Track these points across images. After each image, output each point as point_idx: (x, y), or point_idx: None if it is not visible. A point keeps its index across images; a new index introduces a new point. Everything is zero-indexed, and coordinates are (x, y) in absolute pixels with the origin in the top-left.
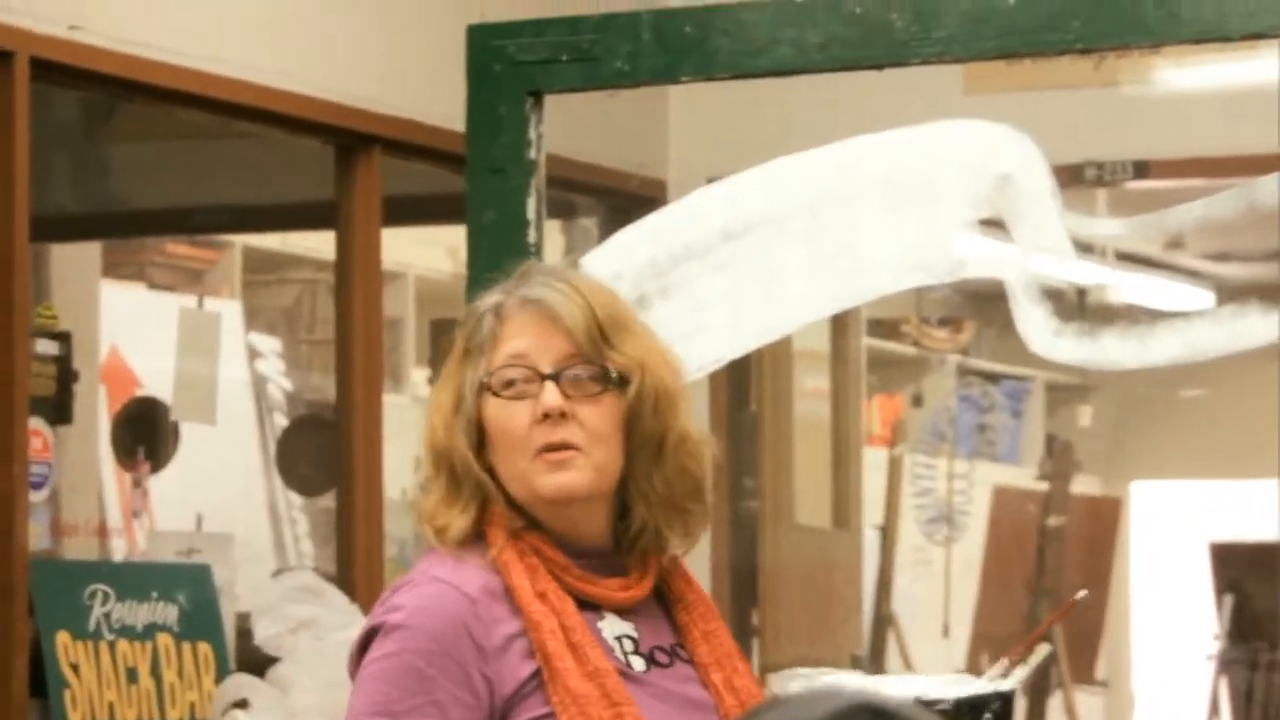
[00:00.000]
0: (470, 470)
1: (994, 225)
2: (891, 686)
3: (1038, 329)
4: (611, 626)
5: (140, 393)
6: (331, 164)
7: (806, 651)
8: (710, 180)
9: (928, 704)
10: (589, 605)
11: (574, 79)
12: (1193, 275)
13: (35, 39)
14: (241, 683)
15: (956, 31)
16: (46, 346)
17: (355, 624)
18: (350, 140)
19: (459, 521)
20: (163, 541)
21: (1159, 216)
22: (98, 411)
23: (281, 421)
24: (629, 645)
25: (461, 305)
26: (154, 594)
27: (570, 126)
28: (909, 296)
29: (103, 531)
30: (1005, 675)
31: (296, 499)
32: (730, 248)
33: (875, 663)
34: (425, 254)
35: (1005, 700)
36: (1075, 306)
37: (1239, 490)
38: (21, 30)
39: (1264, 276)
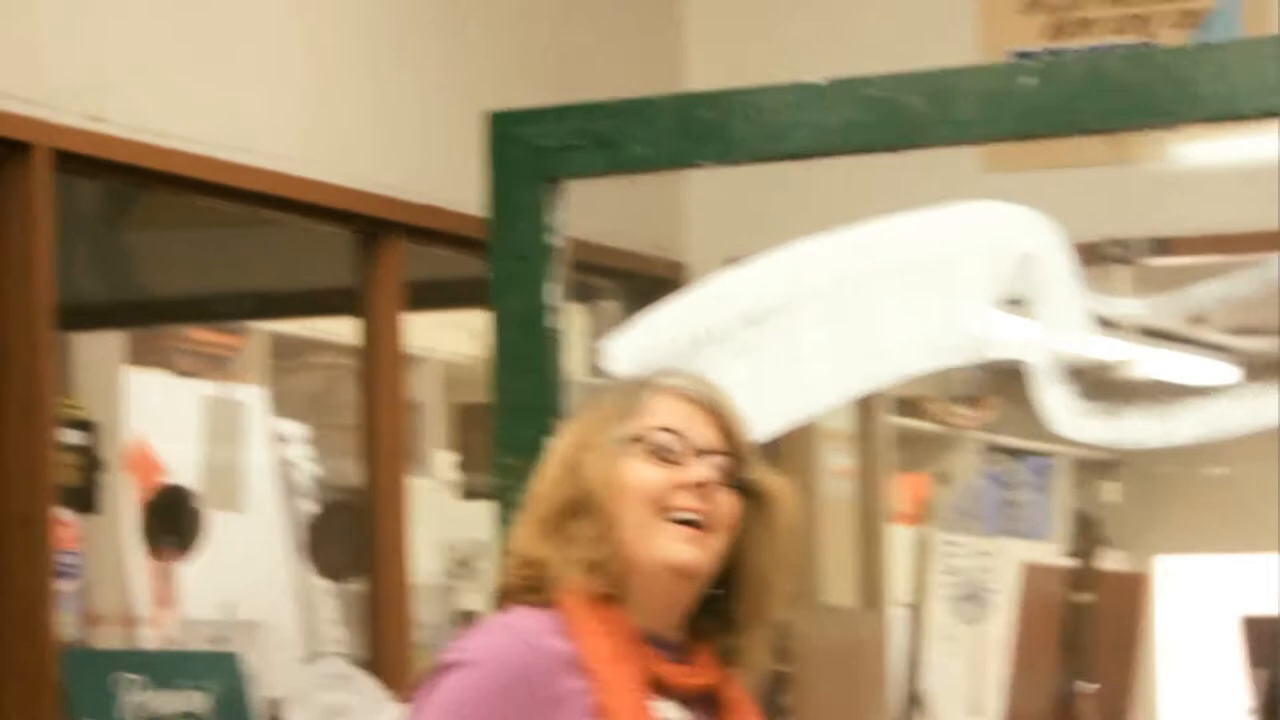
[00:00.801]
0: (604, 510)
1: (1016, 305)
2: None
3: (1061, 410)
4: (665, 710)
5: (166, 479)
6: (354, 250)
7: None
8: (729, 262)
9: None
10: (652, 683)
11: (593, 165)
12: (1217, 349)
13: (56, 130)
14: None
15: (974, 113)
16: (72, 436)
17: (385, 711)
18: (372, 227)
19: (571, 569)
20: (192, 629)
21: (1180, 296)
22: (124, 500)
23: (308, 507)
24: None
25: (485, 389)
26: (185, 682)
27: (588, 209)
28: (933, 375)
29: (130, 621)
30: None
31: (325, 584)
32: (751, 332)
33: None
34: (449, 337)
35: None
36: (1098, 385)
37: (1266, 564)
38: (42, 122)
39: None
